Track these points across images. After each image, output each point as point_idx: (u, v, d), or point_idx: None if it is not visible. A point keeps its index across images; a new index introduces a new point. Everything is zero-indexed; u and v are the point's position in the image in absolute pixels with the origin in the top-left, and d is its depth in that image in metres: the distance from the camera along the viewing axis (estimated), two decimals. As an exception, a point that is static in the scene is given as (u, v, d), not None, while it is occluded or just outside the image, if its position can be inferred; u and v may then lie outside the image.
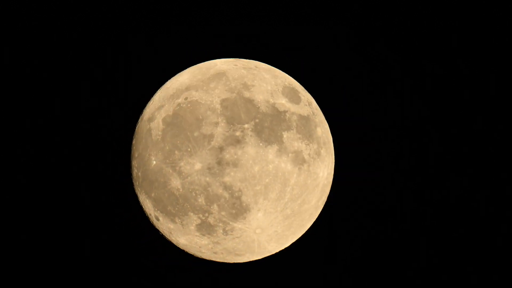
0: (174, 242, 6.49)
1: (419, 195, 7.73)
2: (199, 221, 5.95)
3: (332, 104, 7.12)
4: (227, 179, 5.72)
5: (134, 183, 6.46)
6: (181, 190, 5.84)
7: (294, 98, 6.20)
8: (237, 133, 5.73)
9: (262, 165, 5.75)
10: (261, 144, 5.76)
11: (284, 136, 5.88)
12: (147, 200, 6.23)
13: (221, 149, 5.71)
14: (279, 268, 7.41)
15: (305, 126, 6.09)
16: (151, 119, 6.16)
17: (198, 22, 7.86)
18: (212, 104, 5.86)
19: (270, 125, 5.84)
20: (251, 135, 5.75)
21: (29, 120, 7.47)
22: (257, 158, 5.74)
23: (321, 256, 7.66)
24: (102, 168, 7.51)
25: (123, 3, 7.69)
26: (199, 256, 6.60)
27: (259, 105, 5.90)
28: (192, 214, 5.92)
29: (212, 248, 6.23)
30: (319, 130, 6.28)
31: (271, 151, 5.79)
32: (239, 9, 7.88)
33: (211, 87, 5.99)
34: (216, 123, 5.76)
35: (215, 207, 5.82)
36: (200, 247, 6.28)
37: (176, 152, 5.82)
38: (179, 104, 5.99)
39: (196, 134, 5.77)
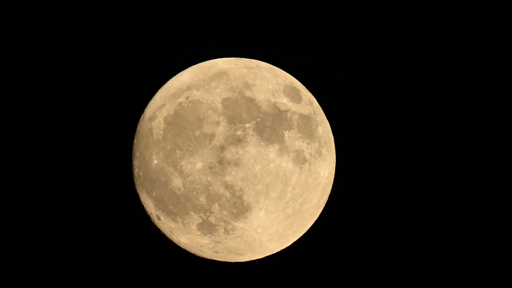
0: (175, 242, 6.49)
1: (419, 195, 7.74)
2: (200, 221, 5.94)
3: (332, 104, 7.12)
4: (228, 178, 5.72)
5: (135, 183, 6.45)
6: (182, 190, 5.84)
7: (295, 97, 6.20)
8: (238, 133, 5.73)
9: (263, 164, 5.75)
10: (262, 143, 5.76)
11: (285, 135, 5.88)
12: (148, 200, 6.22)
13: (222, 148, 5.71)
14: (280, 268, 7.42)
15: (306, 125, 6.09)
16: (152, 118, 6.16)
17: (198, 22, 7.87)
18: (213, 103, 5.86)
19: (271, 124, 5.84)
20: (252, 134, 5.75)
21: (29, 120, 7.46)
22: (258, 158, 5.74)
23: (322, 255, 7.66)
24: (102, 168, 7.51)
25: (123, 3, 7.69)
26: (200, 256, 6.60)
27: (260, 104, 5.90)
28: (193, 213, 5.91)
29: (213, 247, 6.23)
30: (320, 129, 6.29)
31: (272, 151, 5.79)
32: (239, 9, 7.89)
33: (212, 86, 5.99)
34: (217, 123, 5.76)
35: (216, 206, 5.81)
36: (201, 246, 6.28)
37: (177, 151, 5.82)
38: (180, 103, 5.99)
39: (197, 133, 5.77)
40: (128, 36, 7.73)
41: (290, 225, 6.18)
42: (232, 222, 5.91)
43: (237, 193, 5.76)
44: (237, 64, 6.31)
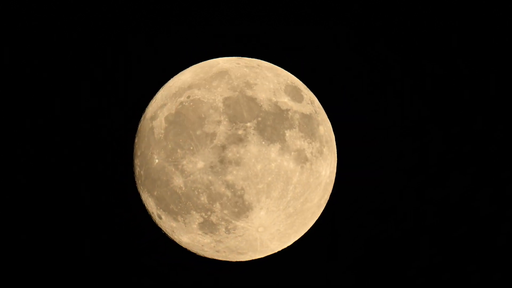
0: (177, 241, 6.48)
1: (421, 194, 7.74)
2: (201, 220, 5.93)
3: (332, 104, 7.12)
4: (229, 177, 5.72)
5: (137, 182, 6.45)
6: (183, 189, 5.83)
7: (296, 96, 6.20)
8: (240, 132, 5.73)
9: (264, 163, 5.75)
10: (263, 142, 5.76)
11: (287, 134, 5.88)
12: (150, 199, 6.22)
13: (223, 147, 5.70)
14: (281, 267, 7.42)
15: (307, 124, 6.09)
16: (153, 118, 6.16)
17: (198, 22, 7.87)
18: (214, 102, 5.86)
19: (273, 124, 5.84)
20: (253, 134, 5.75)
21: (29, 120, 7.45)
22: (259, 157, 5.74)
23: (323, 254, 7.66)
24: (102, 168, 7.50)
25: (123, 3, 7.69)
26: (201, 255, 6.59)
27: (261, 103, 5.90)
28: (194, 212, 5.91)
29: (214, 246, 6.22)
30: (321, 129, 6.28)
31: (274, 150, 5.78)
32: (239, 9, 7.89)
33: (213, 86, 5.99)
34: (219, 122, 5.76)
35: (217, 205, 5.81)
36: (202, 245, 6.27)
37: (178, 150, 5.81)
38: (181, 103, 5.99)
39: (198, 132, 5.77)
40: (128, 36, 7.73)
41: (291, 225, 6.17)
42: (233, 222, 5.90)
43: (238, 192, 5.76)
44: (238, 64, 6.31)
